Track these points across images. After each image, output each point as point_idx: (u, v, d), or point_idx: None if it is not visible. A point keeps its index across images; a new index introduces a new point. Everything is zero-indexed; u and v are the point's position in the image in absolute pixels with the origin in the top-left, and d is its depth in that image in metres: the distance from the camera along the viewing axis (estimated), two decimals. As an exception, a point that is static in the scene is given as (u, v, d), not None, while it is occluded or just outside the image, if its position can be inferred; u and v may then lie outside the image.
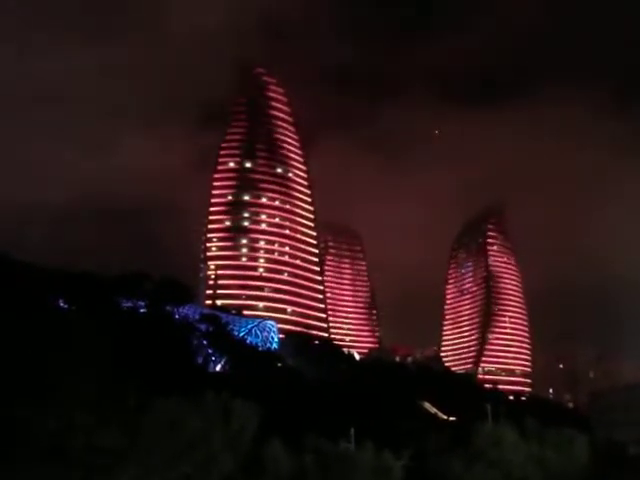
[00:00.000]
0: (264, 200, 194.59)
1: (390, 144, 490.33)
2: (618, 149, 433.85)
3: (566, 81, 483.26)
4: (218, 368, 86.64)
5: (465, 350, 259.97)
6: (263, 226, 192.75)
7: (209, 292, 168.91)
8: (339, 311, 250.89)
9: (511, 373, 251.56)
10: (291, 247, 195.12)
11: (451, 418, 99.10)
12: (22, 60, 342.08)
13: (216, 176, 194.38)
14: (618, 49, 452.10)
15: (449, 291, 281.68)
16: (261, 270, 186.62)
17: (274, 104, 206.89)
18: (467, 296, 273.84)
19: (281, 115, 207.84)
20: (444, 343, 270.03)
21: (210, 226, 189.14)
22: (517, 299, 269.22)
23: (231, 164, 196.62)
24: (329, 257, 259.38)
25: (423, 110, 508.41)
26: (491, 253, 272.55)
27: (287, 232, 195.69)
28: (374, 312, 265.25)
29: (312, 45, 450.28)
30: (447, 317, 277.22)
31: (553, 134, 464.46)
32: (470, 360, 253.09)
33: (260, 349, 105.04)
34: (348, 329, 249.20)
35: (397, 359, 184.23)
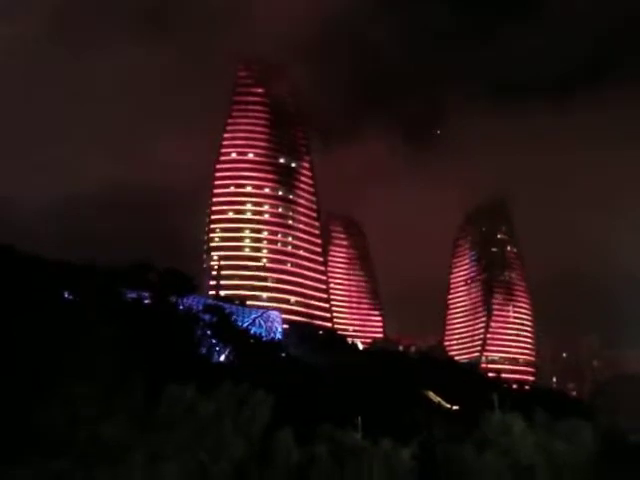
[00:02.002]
0: (267, 190, 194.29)
1: (398, 135, 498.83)
2: (622, 144, 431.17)
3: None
4: (222, 358, 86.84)
5: (469, 339, 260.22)
6: (266, 216, 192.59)
7: (213, 283, 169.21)
8: (343, 301, 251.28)
9: (514, 362, 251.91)
10: (294, 237, 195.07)
11: (454, 407, 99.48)
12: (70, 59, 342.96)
13: (218, 167, 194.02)
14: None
15: (453, 280, 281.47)
16: (264, 260, 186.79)
17: (277, 95, 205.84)
18: (470, 285, 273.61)
19: (284, 105, 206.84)
20: (447, 332, 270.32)
21: (213, 217, 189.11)
22: (521, 288, 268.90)
23: (233, 155, 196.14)
24: (332, 247, 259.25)
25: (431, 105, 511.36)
26: (495, 242, 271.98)
27: (290, 222, 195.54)
28: (377, 302, 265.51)
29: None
30: (450, 306, 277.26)
31: (559, 129, 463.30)
32: (474, 349, 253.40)
33: (264, 339, 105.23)
34: (352, 319, 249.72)
35: (400, 348, 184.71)
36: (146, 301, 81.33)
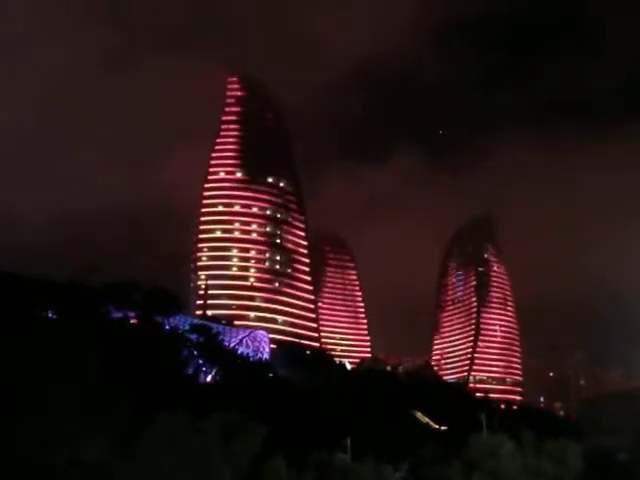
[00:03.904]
0: (255, 210, 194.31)
1: (418, 161, 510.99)
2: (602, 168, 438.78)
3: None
4: (209, 379, 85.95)
5: (456, 359, 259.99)
6: (254, 236, 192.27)
7: (200, 302, 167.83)
8: (331, 320, 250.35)
9: (502, 382, 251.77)
10: (282, 257, 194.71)
11: (443, 428, 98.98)
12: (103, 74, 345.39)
13: (207, 186, 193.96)
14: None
15: (440, 300, 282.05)
16: (252, 280, 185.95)
17: (266, 114, 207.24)
18: (458, 305, 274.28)
19: (273, 125, 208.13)
20: (435, 352, 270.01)
21: (201, 236, 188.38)
22: (508, 307, 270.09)
23: (222, 174, 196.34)
24: (321, 266, 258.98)
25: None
26: (481, 262, 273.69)
27: (278, 241, 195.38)
28: (366, 321, 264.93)
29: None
30: (438, 326, 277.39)
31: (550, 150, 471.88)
32: (461, 369, 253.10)
33: (251, 359, 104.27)
34: (340, 339, 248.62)
35: (388, 368, 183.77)
36: (132, 321, 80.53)
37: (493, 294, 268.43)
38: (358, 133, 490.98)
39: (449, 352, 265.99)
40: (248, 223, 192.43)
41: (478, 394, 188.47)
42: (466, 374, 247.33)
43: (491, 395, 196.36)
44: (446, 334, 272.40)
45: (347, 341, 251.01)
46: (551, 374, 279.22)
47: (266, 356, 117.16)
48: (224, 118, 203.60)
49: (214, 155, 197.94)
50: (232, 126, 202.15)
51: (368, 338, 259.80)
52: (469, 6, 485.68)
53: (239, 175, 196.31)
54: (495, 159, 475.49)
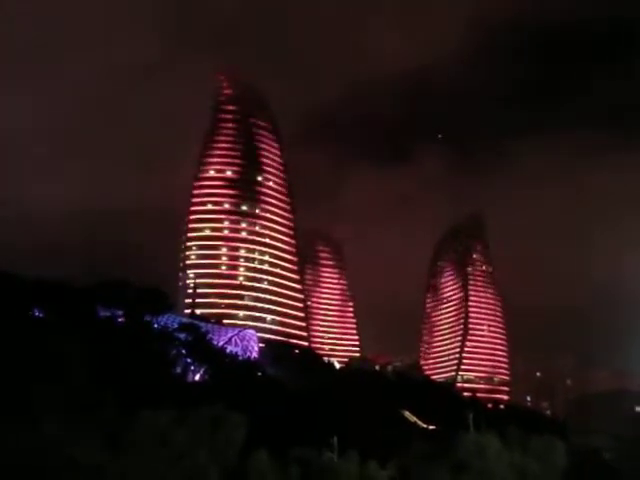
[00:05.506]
0: (244, 208, 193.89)
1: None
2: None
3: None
4: (197, 378, 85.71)
5: (444, 358, 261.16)
6: (243, 234, 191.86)
7: (188, 301, 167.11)
8: (320, 320, 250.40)
9: (489, 381, 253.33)
10: (271, 255, 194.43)
11: (430, 427, 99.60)
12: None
13: (196, 184, 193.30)
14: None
15: (429, 299, 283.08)
16: (241, 279, 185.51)
17: (255, 113, 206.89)
18: (446, 304, 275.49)
19: (264, 124, 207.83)
20: (424, 351, 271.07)
21: (190, 234, 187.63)
22: (496, 307, 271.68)
23: (211, 172, 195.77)
24: (310, 265, 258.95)
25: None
26: (470, 262, 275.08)
27: (267, 240, 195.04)
28: (354, 321, 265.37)
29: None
30: (426, 325, 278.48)
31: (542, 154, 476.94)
32: (449, 368, 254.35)
33: (240, 358, 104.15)
34: (328, 338, 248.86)
35: (377, 368, 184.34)
36: (120, 319, 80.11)
37: (481, 294, 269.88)
38: (382, 135, 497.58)
39: (437, 352, 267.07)
40: (237, 222, 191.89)
41: (466, 393, 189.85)
42: (454, 373, 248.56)
43: (479, 394, 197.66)
44: (435, 334, 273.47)
45: (336, 340, 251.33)
46: (538, 374, 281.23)
47: (255, 355, 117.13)
48: (214, 116, 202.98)
49: (205, 153, 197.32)
50: (222, 125, 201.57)
51: (357, 337, 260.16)
52: (503, 12, 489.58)
53: (229, 174, 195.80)
54: (512, 164, 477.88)
